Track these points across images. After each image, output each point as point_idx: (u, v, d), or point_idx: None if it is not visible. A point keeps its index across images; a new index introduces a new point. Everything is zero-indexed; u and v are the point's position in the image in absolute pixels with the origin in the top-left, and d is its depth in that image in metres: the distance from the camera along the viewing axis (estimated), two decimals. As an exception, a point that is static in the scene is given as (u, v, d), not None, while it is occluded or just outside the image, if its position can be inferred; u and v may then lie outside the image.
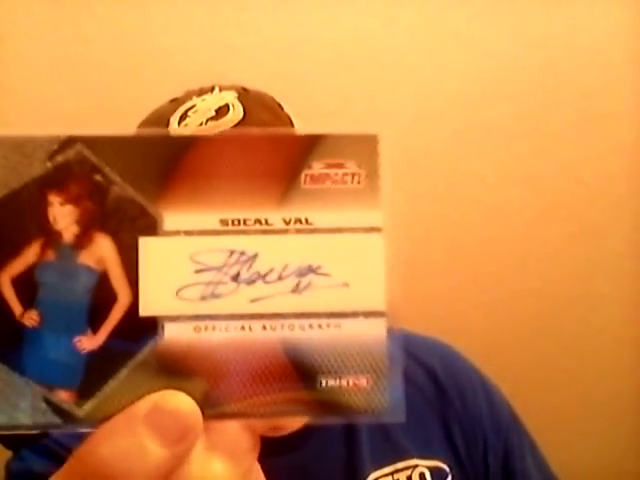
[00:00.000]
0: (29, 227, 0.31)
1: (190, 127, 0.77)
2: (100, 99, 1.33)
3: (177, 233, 0.32)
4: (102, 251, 0.31)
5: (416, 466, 0.81)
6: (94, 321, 0.31)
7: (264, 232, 0.32)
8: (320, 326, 0.32)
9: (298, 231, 0.32)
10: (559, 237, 1.43)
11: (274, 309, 0.32)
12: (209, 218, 0.32)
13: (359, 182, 0.33)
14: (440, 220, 1.41)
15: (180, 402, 0.30)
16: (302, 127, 0.82)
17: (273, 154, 0.32)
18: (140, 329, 0.31)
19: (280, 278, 0.32)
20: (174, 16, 1.37)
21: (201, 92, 0.81)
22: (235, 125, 0.77)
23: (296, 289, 0.32)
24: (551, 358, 1.43)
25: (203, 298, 0.32)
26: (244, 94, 0.81)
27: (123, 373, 0.31)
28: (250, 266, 0.32)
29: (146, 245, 0.31)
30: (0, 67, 1.32)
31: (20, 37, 1.33)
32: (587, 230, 1.43)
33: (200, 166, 0.32)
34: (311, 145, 0.33)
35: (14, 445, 0.79)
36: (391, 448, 0.81)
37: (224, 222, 0.32)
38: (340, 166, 0.32)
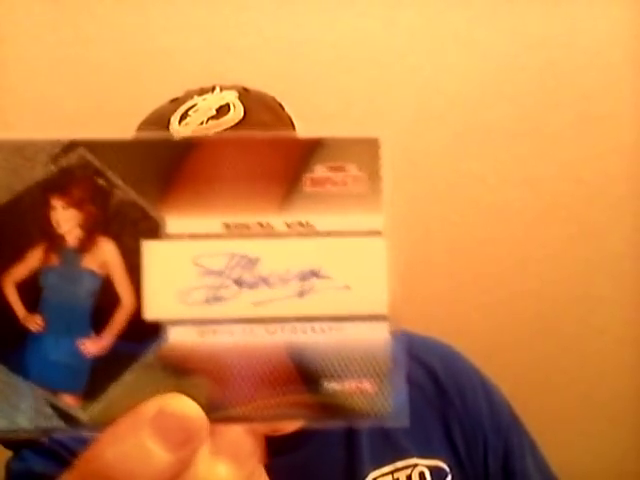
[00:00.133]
0: (32, 231, 0.31)
1: (191, 126, 0.77)
2: (100, 99, 1.33)
3: (180, 236, 0.32)
4: (105, 255, 0.31)
5: (416, 465, 0.81)
6: (98, 325, 0.31)
7: (266, 236, 0.32)
8: (323, 330, 0.32)
9: (300, 235, 0.32)
10: (559, 238, 1.43)
11: (277, 313, 0.32)
12: (212, 221, 0.32)
13: (361, 185, 0.33)
14: (440, 221, 1.41)
15: (185, 406, 0.30)
16: (303, 128, 0.82)
17: (275, 157, 0.32)
18: (144, 333, 0.31)
19: (283, 282, 0.32)
20: (174, 16, 1.37)
21: (202, 92, 0.82)
22: (236, 124, 0.77)
23: (299, 293, 0.32)
24: (551, 359, 1.43)
25: (206, 302, 0.32)
26: (245, 94, 0.81)
27: (127, 377, 0.31)
28: (253, 270, 0.32)
29: (149, 249, 0.31)
30: (0, 67, 1.32)
31: (20, 37, 1.33)
32: (587, 231, 1.43)
33: (202, 169, 0.32)
34: (313, 148, 0.33)
35: (14, 445, 0.79)
36: (391, 447, 0.81)
37: (227, 226, 0.32)
38: (342, 169, 0.32)
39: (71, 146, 0.31)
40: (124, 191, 0.31)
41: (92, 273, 0.31)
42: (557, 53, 1.43)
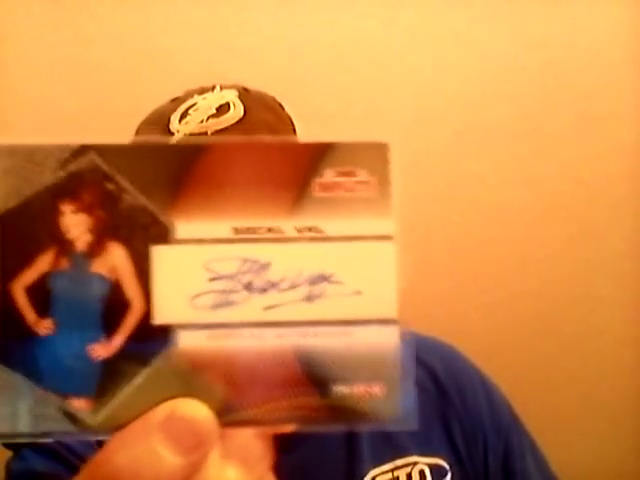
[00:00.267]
0: (42, 236, 0.31)
1: (191, 125, 0.77)
2: (100, 99, 1.33)
3: (189, 241, 0.32)
4: (115, 260, 0.31)
5: (416, 463, 0.81)
6: (108, 329, 0.31)
7: (276, 240, 0.32)
8: (332, 333, 0.32)
9: (310, 239, 0.32)
10: (559, 238, 1.43)
11: (287, 317, 0.32)
12: (221, 226, 0.32)
13: (370, 190, 0.33)
14: (440, 221, 1.41)
15: (195, 410, 0.30)
16: (302, 128, 0.83)
17: (284, 162, 0.32)
18: (154, 337, 0.31)
19: (293, 286, 0.32)
20: (174, 16, 1.37)
21: (202, 91, 0.82)
22: (236, 123, 0.77)
23: (308, 297, 0.32)
24: (551, 359, 1.43)
25: (216, 306, 0.32)
26: (245, 93, 0.82)
27: (137, 381, 0.31)
28: (263, 274, 0.32)
29: (158, 253, 0.31)
30: (0, 67, 1.32)
31: (20, 37, 1.33)
32: (587, 231, 1.43)
33: (212, 174, 0.32)
34: (322, 153, 0.33)
35: (15, 445, 0.79)
36: (391, 446, 0.81)
37: (237, 230, 0.32)
38: (351, 174, 0.33)
39: (81, 151, 0.31)
40: (134, 196, 0.31)
41: (102, 278, 0.31)
42: (557, 53, 1.43)
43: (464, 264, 1.43)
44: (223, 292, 0.32)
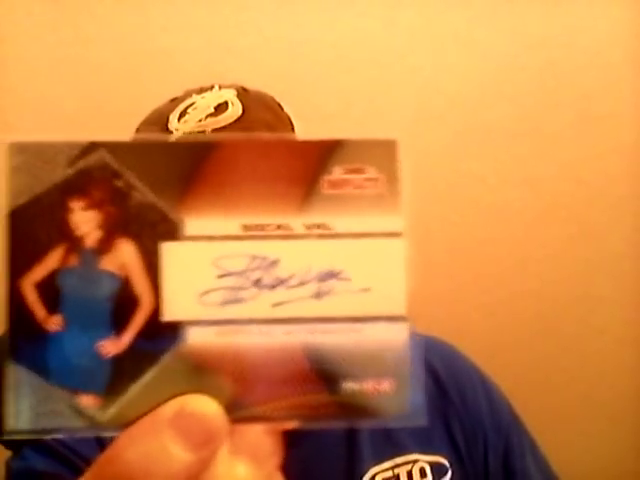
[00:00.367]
0: (52, 232, 0.31)
1: (189, 124, 0.77)
2: (100, 99, 1.33)
3: (199, 238, 0.32)
4: (124, 256, 0.31)
5: (416, 461, 0.81)
6: (117, 326, 0.31)
7: (285, 237, 0.32)
8: (341, 330, 0.32)
9: (319, 236, 0.32)
10: (559, 238, 1.44)
11: (296, 314, 0.32)
12: (231, 223, 0.32)
13: (379, 187, 0.33)
14: (440, 221, 1.41)
15: (205, 406, 0.30)
16: (301, 127, 0.83)
17: (293, 159, 0.32)
18: (163, 334, 0.31)
19: (301, 283, 0.32)
20: (174, 16, 1.37)
21: (201, 90, 0.82)
22: (234, 122, 0.77)
23: (317, 294, 0.32)
24: (551, 359, 1.43)
25: (225, 303, 0.32)
26: (243, 93, 0.82)
27: (146, 378, 0.31)
28: (272, 271, 0.32)
29: (168, 250, 0.32)
30: (0, 67, 1.32)
31: (20, 37, 1.33)
32: (587, 231, 1.44)
33: (221, 171, 0.32)
34: (331, 150, 0.33)
35: (15, 445, 0.79)
36: (391, 443, 0.82)
37: (246, 227, 0.32)
38: (360, 171, 0.33)
39: (90, 148, 0.32)
40: (143, 193, 0.31)
41: (111, 274, 0.31)
42: (557, 53, 1.43)
43: (464, 264, 1.43)
44: (232, 289, 0.32)
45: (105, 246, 0.31)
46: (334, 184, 0.32)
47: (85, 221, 0.31)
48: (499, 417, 0.89)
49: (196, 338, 0.31)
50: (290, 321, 0.32)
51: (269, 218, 0.32)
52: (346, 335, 0.32)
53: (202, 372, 0.31)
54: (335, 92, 1.39)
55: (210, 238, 0.32)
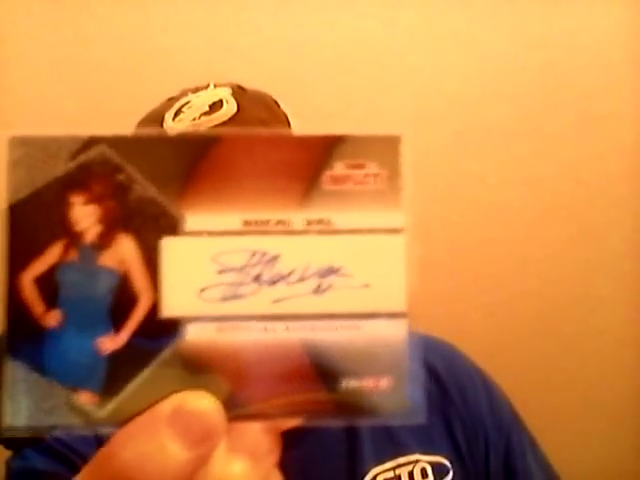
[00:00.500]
0: (52, 227, 0.31)
1: (184, 122, 0.78)
2: (100, 99, 1.33)
3: (199, 233, 0.32)
4: (124, 251, 0.31)
5: (417, 461, 0.81)
6: (116, 322, 0.31)
7: (286, 233, 0.32)
8: (341, 327, 0.32)
9: (320, 232, 0.32)
10: (559, 238, 1.43)
11: (296, 310, 0.32)
12: (231, 218, 0.32)
13: (381, 183, 0.33)
14: (440, 221, 1.41)
15: (203, 403, 0.30)
16: (298, 125, 0.83)
17: (295, 154, 0.32)
18: (162, 330, 0.31)
19: (302, 279, 0.32)
20: (174, 16, 1.37)
21: (196, 89, 0.82)
22: (229, 120, 0.77)
23: (317, 290, 0.32)
24: (551, 359, 1.43)
25: (225, 299, 0.31)
26: (239, 91, 0.82)
27: (145, 374, 0.31)
28: (272, 267, 0.32)
29: (168, 245, 0.31)
30: (0, 67, 1.32)
31: (20, 37, 1.33)
32: (587, 231, 1.43)
33: (222, 166, 0.32)
34: (333, 146, 0.32)
35: (15, 444, 0.79)
36: (392, 443, 0.81)
37: (246, 223, 0.32)
38: (362, 167, 0.32)
39: (91, 142, 0.31)
40: (144, 187, 0.31)
41: (110, 270, 0.31)
42: (557, 53, 1.43)
43: (464, 264, 1.43)
44: (232, 284, 0.32)
45: (105, 241, 0.31)
46: (335, 179, 0.32)
47: (85, 216, 0.31)
48: (500, 416, 0.89)
49: (195, 334, 0.31)
50: (290, 317, 0.32)
51: (270, 213, 0.32)
52: (346, 332, 0.32)
53: (201, 369, 0.31)
54: (335, 92, 1.39)
55: (210, 233, 0.32)
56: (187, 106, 0.79)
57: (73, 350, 0.31)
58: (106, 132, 0.32)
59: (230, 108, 0.78)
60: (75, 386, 0.31)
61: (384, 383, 0.32)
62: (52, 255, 0.31)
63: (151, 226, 0.31)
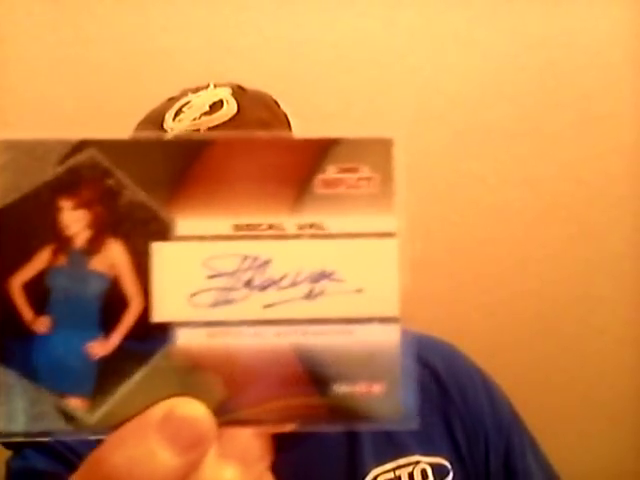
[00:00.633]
0: (40, 232, 0.31)
1: (184, 122, 0.77)
2: (100, 99, 1.33)
3: (190, 238, 0.31)
4: (114, 256, 0.31)
5: (418, 462, 0.81)
6: (106, 327, 0.31)
7: (277, 237, 0.32)
8: (333, 332, 0.32)
9: (311, 236, 0.32)
10: (559, 238, 1.43)
11: (287, 315, 0.32)
12: (222, 223, 0.32)
13: (373, 187, 0.32)
14: (440, 221, 1.41)
15: (193, 409, 0.30)
16: (298, 125, 0.83)
17: (286, 158, 0.32)
18: (152, 335, 0.31)
19: (293, 284, 0.32)
20: (174, 16, 1.37)
21: (197, 89, 0.82)
22: (229, 120, 0.77)
23: (309, 295, 0.32)
24: (551, 359, 1.43)
25: (216, 304, 0.31)
26: (239, 91, 0.82)
27: (135, 379, 0.31)
28: (263, 272, 0.32)
29: (158, 250, 0.31)
30: (0, 67, 1.32)
31: (20, 37, 1.33)
32: (587, 231, 1.43)
33: (213, 170, 0.32)
34: (325, 149, 0.32)
35: (15, 445, 0.79)
36: (393, 444, 0.81)
37: (237, 227, 0.32)
38: (354, 170, 0.32)
39: (80, 146, 0.31)
40: (134, 192, 0.31)
41: (100, 274, 0.31)
42: (557, 53, 1.43)
43: (464, 264, 1.43)
44: (223, 290, 0.31)
45: (94, 246, 0.31)
46: (328, 183, 0.32)
47: (74, 220, 0.31)
48: (500, 417, 0.89)
49: (186, 339, 0.31)
50: (281, 322, 0.31)
51: (261, 218, 0.32)
52: (338, 337, 0.32)
53: (191, 374, 0.31)
54: (335, 92, 1.39)
55: (201, 238, 0.31)
56: (187, 106, 0.79)
57: (63, 355, 0.31)
58: (97, 135, 0.32)
59: (230, 108, 0.78)
60: (65, 391, 0.31)
61: (377, 388, 0.32)
62: (41, 260, 0.31)
63: (141, 231, 0.31)
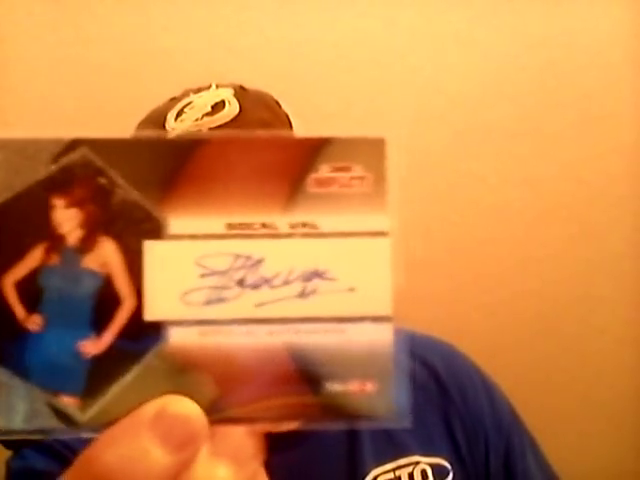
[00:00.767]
0: (33, 230, 0.31)
1: (186, 122, 0.77)
2: (100, 99, 1.33)
3: (182, 237, 0.31)
4: (106, 255, 0.31)
5: (417, 463, 0.81)
6: (98, 325, 0.31)
7: (270, 236, 0.32)
8: (326, 330, 0.32)
9: (304, 235, 0.32)
10: (560, 238, 1.43)
11: (280, 314, 0.32)
12: (215, 222, 0.32)
13: (366, 186, 0.32)
14: (441, 221, 1.41)
15: (185, 407, 0.30)
16: (300, 125, 0.82)
17: (280, 157, 0.32)
18: (145, 333, 0.31)
19: (286, 283, 0.32)
20: (174, 16, 1.37)
21: (198, 90, 0.82)
22: (231, 120, 0.77)
23: (302, 294, 0.32)
24: (552, 359, 1.43)
25: (208, 302, 0.31)
26: (241, 91, 0.82)
27: (127, 378, 0.31)
28: (256, 271, 0.32)
29: (151, 249, 0.31)
30: (0, 67, 1.32)
31: (20, 37, 1.33)
32: (588, 231, 1.43)
33: (205, 169, 0.32)
34: (318, 148, 0.32)
35: (15, 445, 0.79)
36: (392, 445, 0.81)
37: (230, 226, 0.32)
38: (347, 169, 0.32)
39: (73, 145, 0.31)
40: (126, 191, 0.31)
41: (93, 273, 0.31)
42: (557, 53, 1.43)
43: (464, 264, 1.43)
44: (215, 288, 0.31)
45: (87, 244, 0.31)
46: (320, 182, 0.32)
47: (67, 219, 0.31)
48: (500, 417, 0.89)
49: (178, 338, 0.31)
50: (274, 321, 0.32)
51: (254, 217, 0.32)
52: (330, 335, 0.32)
53: (184, 372, 0.31)
54: (335, 92, 1.39)
55: (194, 237, 0.31)
56: (189, 106, 0.79)
57: (55, 354, 0.31)
58: (90, 134, 0.32)
59: (232, 109, 0.78)
60: (58, 390, 0.31)
61: (369, 387, 0.32)
62: (34, 258, 0.31)
63: (134, 229, 0.31)
